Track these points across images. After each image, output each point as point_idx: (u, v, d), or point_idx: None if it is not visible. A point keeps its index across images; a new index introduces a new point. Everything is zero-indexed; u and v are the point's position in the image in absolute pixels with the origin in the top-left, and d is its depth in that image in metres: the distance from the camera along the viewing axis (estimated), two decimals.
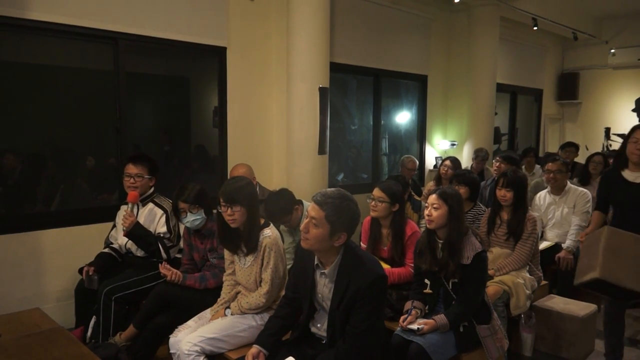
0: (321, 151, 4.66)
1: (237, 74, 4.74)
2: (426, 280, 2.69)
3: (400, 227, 3.08)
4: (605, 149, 8.33)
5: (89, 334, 3.11)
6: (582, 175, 5.21)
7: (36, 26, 3.54)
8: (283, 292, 2.55)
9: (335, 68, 5.25)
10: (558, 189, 4.24)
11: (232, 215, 2.52)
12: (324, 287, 2.20)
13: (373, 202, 3.10)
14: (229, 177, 4.29)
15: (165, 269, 2.92)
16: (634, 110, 8.46)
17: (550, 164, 4.26)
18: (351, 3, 5.65)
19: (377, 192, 3.10)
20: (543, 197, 4.35)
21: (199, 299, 2.88)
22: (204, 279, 2.96)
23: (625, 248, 2.68)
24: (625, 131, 9.08)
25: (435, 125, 7.27)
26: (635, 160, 2.88)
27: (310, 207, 2.11)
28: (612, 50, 8.90)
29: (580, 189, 4.30)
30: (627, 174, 2.95)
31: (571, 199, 4.17)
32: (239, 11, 4.71)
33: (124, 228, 3.14)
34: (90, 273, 3.13)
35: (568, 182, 4.28)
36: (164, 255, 3.20)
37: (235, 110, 4.76)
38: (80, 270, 3.23)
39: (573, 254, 3.91)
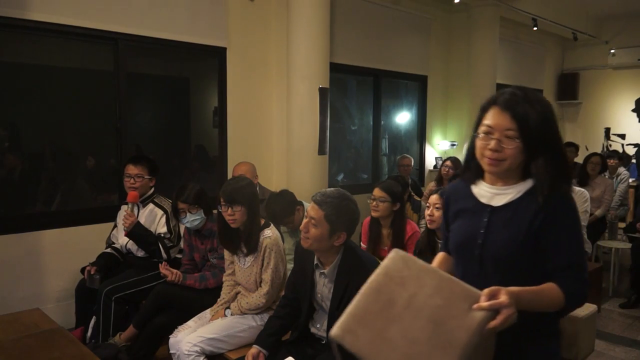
0: (321, 151, 4.66)
1: (237, 74, 4.74)
2: None
3: (401, 227, 3.08)
4: (605, 149, 8.34)
5: (89, 334, 3.11)
6: (580, 176, 5.22)
7: (36, 26, 3.54)
8: (283, 293, 2.55)
9: (335, 68, 5.25)
10: None
11: (233, 215, 2.53)
12: (324, 287, 2.20)
13: (374, 202, 3.10)
14: (230, 175, 4.30)
15: (165, 270, 2.92)
16: (634, 111, 8.47)
17: None
18: (351, 3, 5.65)
19: (377, 192, 3.11)
20: None
21: (199, 299, 2.88)
22: (204, 279, 2.96)
23: (410, 293, 1.30)
24: (625, 131, 9.06)
25: (435, 126, 7.27)
26: (488, 167, 1.48)
27: (309, 207, 2.11)
28: (612, 51, 8.90)
29: (577, 188, 4.29)
30: (481, 190, 1.55)
31: None
32: (239, 11, 4.71)
33: (125, 228, 3.15)
34: (92, 272, 3.14)
35: None
36: (164, 255, 3.20)
37: (235, 110, 4.76)
38: (83, 270, 3.24)
39: None
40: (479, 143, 1.48)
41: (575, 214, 1.44)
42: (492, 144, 1.42)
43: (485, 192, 1.53)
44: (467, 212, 1.57)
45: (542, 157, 1.41)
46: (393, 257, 1.40)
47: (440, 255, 1.75)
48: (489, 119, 1.45)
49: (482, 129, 1.47)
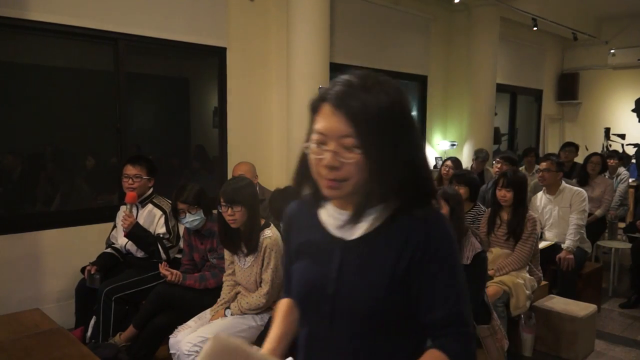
0: None
1: (237, 74, 4.74)
2: None
3: None
4: (605, 149, 8.34)
5: (88, 334, 3.11)
6: (581, 176, 5.22)
7: (36, 26, 3.54)
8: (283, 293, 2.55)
9: (335, 68, 5.24)
10: (553, 189, 4.23)
11: (233, 215, 2.53)
12: None
13: None
14: (230, 175, 4.30)
15: (165, 270, 2.92)
16: (633, 111, 8.47)
17: (542, 162, 4.26)
18: (351, 3, 5.65)
19: None
20: (540, 198, 4.35)
21: (199, 299, 2.88)
22: (204, 279, 2.96)
23: None
24: (625, 131, 9.07)
25: (435, 126, 7.27)
26: (326, 191, 1.05)
27: None
28: (612, 51, 8.90)
29: (575, 187, 4.29)
30: (330, 216, 1.13)
31: (566, 198, 4.16)
32: (239, 11, 4.71)
33: (124, 229, 3.15)
34: (92, 272, 3.14)
35: (563, 182, 4.26)
36: (163, 256, 3.20)
37: (235, 110, 4.76)
38: (83, 270, 3.24)
39: (573, 254, 3.92)
40: (311, 157, 1.03)
41: (451, 245, 1.04)
42: (327, 158, 0.99)
43: (336, 220, 1.08)
44: (312, 248, 1.12)
45: (392, 171, 0.99)
46: (212, 346, 0.97)
47: (284, 305, 1.27)
48: (319, 122, 1.02)
49: (313, 136, 1.02)
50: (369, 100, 0.98)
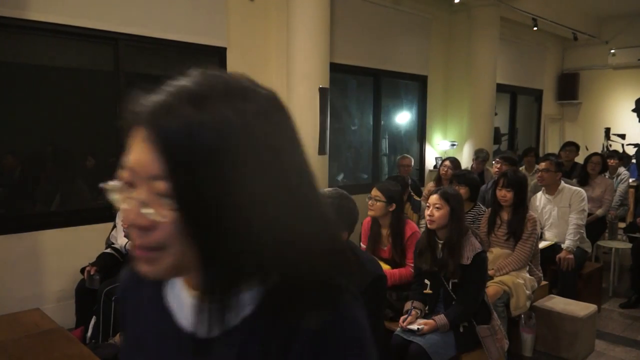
0: (321, 151, 4.66)
1: None
2: (426, 281, 2.70)
3: (399, 228, 3.08)
4: (605, 149, 8.34)
5: (88, 334, 3.12)
6: (581, 176, 5.22)
7: (36, 26, 3.54)
8: None
9: (335, 68, 5.25)
10: (552, 189, 4.23)
11: None
12: None
13: (370, 201, 3.13)
14: None
15: None
16: (634, 111, 8.48)
17: (541, 163, 4.26)
18: (351, 3, 5.65)
19: (374, 191, 3.14)
20: (539, 198, 4.34)
21: None
22: None
23: None
24: (625, 131, 9.09)
25: (435, 126, 7.27)
26: (137, 262, 0.63)
27: None
28: (612, 51, 8.90)
29: (575, 187, 4.29)
30: (180, 298, 0.69)
31: (565, 198, 4.16)
32: (239, 11, 4.71)
33: (124, 229, 3.15)
34: (92, 273, 3.14)
35: (562, 182, 4.26)
36: None
37: None
38: (82, 270, 3.24)
39: (573, 254, 3.92)
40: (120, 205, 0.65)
41: (362, 352, 0.66)
42: (131, 212, 0.61)
43: (184, 306, 0.68)
44: (152, 346, 0.73)
45: (246, 238, 0.59)
46: None
47: None
48: (129, 152, 0.64)
49: (121, 172, 0.66)
50: (198, 121, 0.58)
